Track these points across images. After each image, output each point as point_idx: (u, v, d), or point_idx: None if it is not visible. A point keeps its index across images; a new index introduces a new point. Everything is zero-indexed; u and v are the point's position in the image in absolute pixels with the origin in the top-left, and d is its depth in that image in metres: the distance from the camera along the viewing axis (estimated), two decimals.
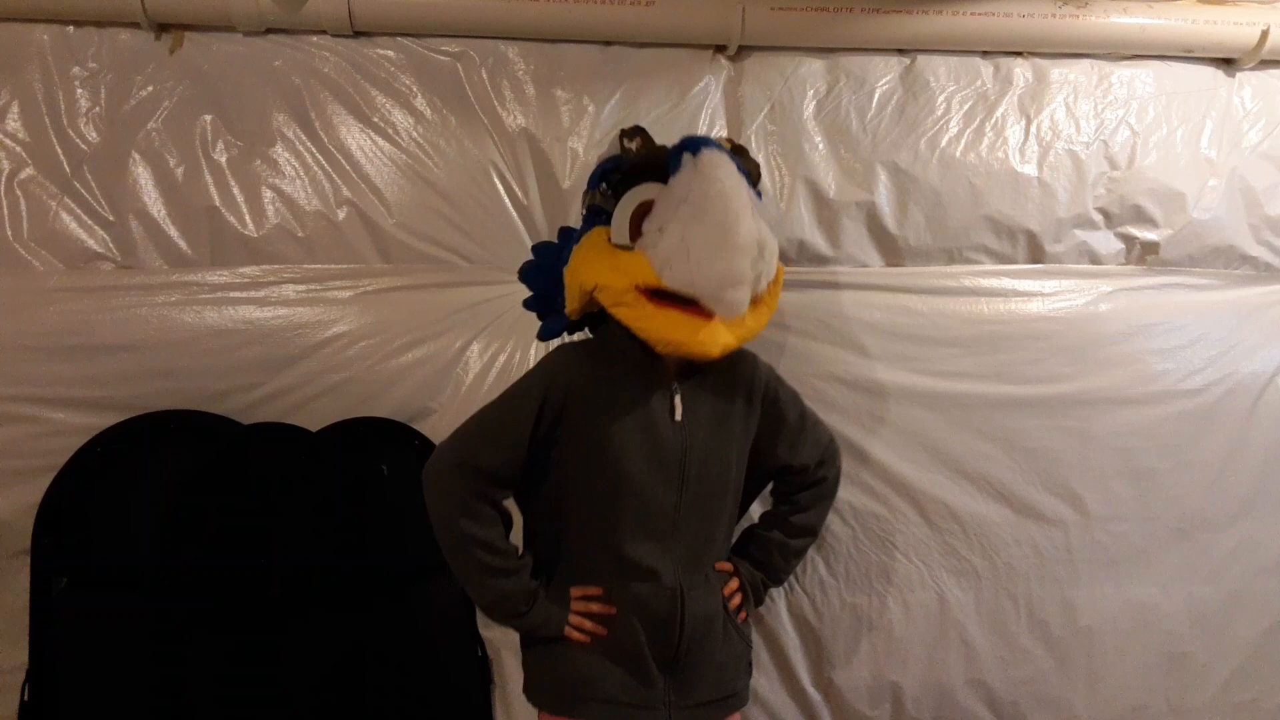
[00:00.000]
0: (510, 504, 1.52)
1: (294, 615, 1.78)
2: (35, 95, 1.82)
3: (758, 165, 1.65)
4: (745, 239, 1.34)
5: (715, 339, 1.38)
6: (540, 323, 1.64)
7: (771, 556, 1.62)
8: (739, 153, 1.54)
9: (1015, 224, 2.03)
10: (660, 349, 1.41)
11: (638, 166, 1.46)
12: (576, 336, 1.64)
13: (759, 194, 1.56)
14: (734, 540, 1.65)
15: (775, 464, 1.62)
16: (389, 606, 1.83)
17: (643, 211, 1.41)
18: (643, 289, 1.38)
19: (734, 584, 1.57)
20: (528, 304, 1.66)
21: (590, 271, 1.43)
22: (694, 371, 1.50)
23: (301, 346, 1.85)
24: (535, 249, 1.68)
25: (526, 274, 1.65)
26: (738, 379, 1.56)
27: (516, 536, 1.53)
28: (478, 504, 1.42)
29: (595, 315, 1.52)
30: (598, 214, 1.50)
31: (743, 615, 1.58)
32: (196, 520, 1.76)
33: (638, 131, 1.52)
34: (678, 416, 1.47)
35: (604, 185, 1.51)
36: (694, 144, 1.40)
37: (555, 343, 1.63)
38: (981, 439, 2.02)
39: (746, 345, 1.50)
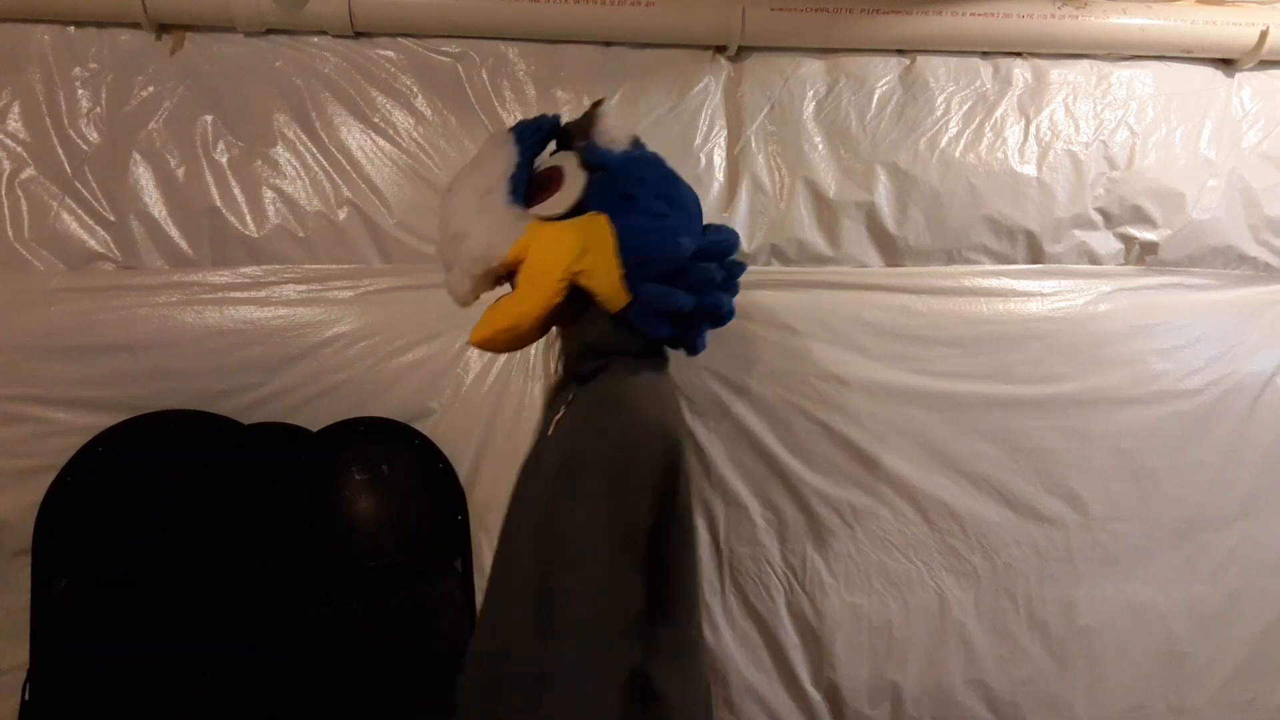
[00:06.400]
0: None
1: (295, 615, 1.78)
2: (36, 95, 1.82)
3: (590, 119, 1.31)
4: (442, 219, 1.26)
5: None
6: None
7: None
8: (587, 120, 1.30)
9: (1014, 224, 2.03)
10: None
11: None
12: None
13: (585, 149, 1.28)
14: None
15: None
16: (390, 606, 1.83)
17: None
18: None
19: None
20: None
21: None
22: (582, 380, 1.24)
23: (302, 346, 1.85)
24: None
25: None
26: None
27: None
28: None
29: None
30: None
31: None
32: (197, 520, 1.76)
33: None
34: (549, 431, 1.21)
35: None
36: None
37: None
38: (981, 439, 2.02)
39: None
